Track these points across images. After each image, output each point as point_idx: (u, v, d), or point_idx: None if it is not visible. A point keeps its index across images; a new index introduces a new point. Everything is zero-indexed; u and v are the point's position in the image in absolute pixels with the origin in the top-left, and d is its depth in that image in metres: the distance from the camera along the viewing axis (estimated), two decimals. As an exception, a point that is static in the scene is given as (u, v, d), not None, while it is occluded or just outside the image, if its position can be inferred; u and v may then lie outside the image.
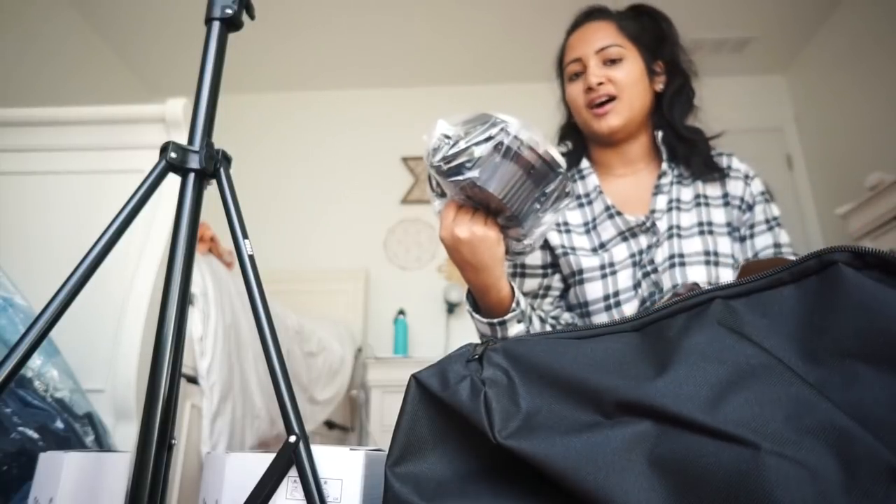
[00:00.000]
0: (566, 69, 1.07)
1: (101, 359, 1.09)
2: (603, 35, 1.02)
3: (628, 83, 1.00)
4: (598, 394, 0.40)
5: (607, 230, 1.01)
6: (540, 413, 0.41)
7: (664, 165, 1.03)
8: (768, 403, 0.35)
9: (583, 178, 1.08)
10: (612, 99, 1.00)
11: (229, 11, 0.75)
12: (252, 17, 0.80)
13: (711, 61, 3.34)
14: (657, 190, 1.02)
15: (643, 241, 0.98)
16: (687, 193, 1.03)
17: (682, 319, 0.44)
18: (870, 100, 2.82)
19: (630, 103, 1.01)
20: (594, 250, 1.01)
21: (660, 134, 1.05)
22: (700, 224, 0.99)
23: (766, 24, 3.10)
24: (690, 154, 1.03)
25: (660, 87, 1.06)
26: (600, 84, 1.00)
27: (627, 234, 1.00)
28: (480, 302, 0.83)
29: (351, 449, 0.61)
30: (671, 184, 1.03)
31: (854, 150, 2.94)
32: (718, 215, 1.00)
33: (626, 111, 1.01)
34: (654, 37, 1.05)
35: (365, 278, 3.25)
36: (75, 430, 0.91)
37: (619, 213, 1.01)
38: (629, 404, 0.39)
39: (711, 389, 0.37)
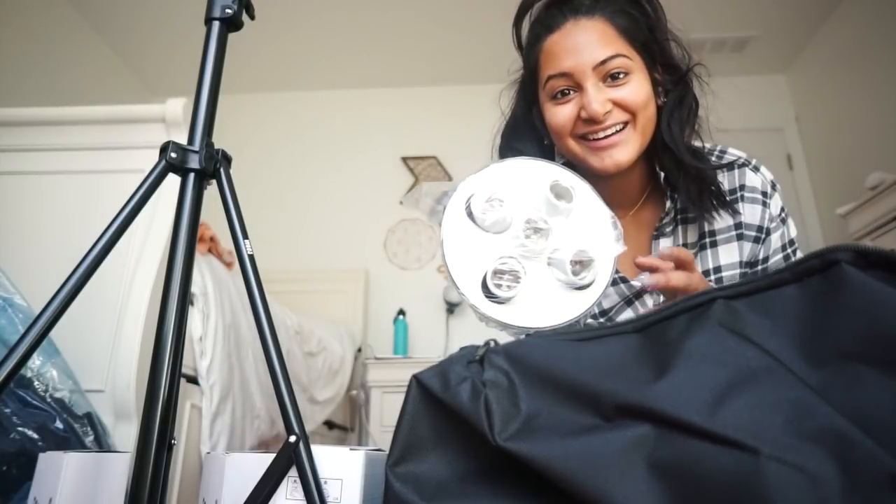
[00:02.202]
0: (545, 84, 0.81)
1: (100, 359, 1.08)
2: (599, 41, 0.77)
3: (639, 104, 0.76)
4: (598, 396, 0.40)
5: (609, 297, 0.85)
6: (540, 415, 0.41)
7: (668, 204, 0.84)
8: (768, 407, 0.35)
9: None
10: (623, 124, 0.78)
11: (229, 11, 0.75)
12: (252, 17, 0.80)
13: (711, 61, 3.33)
14: (658, 233, 0.84)
15: (649, 302, 0.85)
16: (693, 233, 0.84)
17: (683, 320, 0.43)
18: (870, 99, 2.82)
19: (643, 128, 0.78)
20: (594, 318, 0.87)
21: (662, 175, 0.85)
22: (706, 272, 0.82)
23: (766, 24, 3.10)
24: (694, 185, 0.81)
25: (662, 100, 0.82)
26: (607, 112, 0.76)
27: (632, 297, 0.85)
28: None
29: (351, 449, 0.61)
30: (675, 223, 0.85)
31: (854, 149, 2.93)
32: (728, 254, 0.82)
33: (638, 139, 0.78)
34: (646, 28, 0.80)
35: (365, 278, 3.25)
36: (75, 430, 0.91)
37: (623, 280, 0.84)
38: (629, 407, 0.39)
39: (711, 393, 0.37)
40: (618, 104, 0.77)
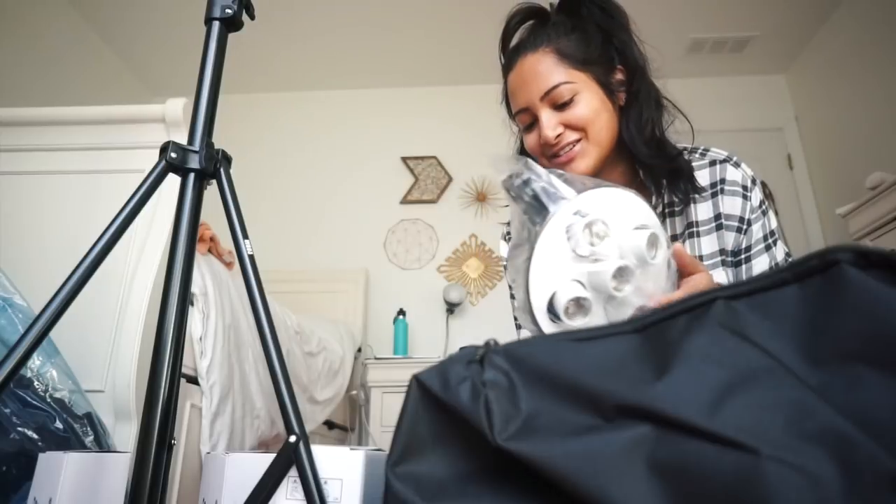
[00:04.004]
0: (517, 118, 0.93)
1: (100, 359, 1.08)
2: (544, 73, 0.86)
3: (588, 120, 0.86)
4: (598, 396, 0.40)
5: None
6: (540, 415, 0.41)
7: (654, 199, 0.90)
8: (769, 408, 0.35)
9: None
10: (576, 141, 0.87)
11: (229, 11, 0.75)
12: (252, 17, 0.80)
13: (711, 61, 3.34)
14: None
15: None
16: (680, 225, 0.91)
17: (683, 321, 0.43)
18: (870, 99, 2.82)
19: (598, 139, 0.87)
20: None
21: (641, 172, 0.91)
22: None
23: (766, 24, 3.10)
24: (666, 176, 0.88)
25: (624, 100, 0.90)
26: (559, 135, 0.87)
27: None
28: None
29: (351, 449, 0.61)
30: (663, 216, 0.90)
31: (854, 150, 2.93)
32: (709, 244, 0.89)
33: (594, 149, 0.87)
34: (602, 36, 0.88)
35: (365, 278, 3.25)
36: (75, 430, 0.91)
37: None
38: (628, 407, 0.39)
39: (711, 393, 0.37)
40: (568, 126, 0.87)
